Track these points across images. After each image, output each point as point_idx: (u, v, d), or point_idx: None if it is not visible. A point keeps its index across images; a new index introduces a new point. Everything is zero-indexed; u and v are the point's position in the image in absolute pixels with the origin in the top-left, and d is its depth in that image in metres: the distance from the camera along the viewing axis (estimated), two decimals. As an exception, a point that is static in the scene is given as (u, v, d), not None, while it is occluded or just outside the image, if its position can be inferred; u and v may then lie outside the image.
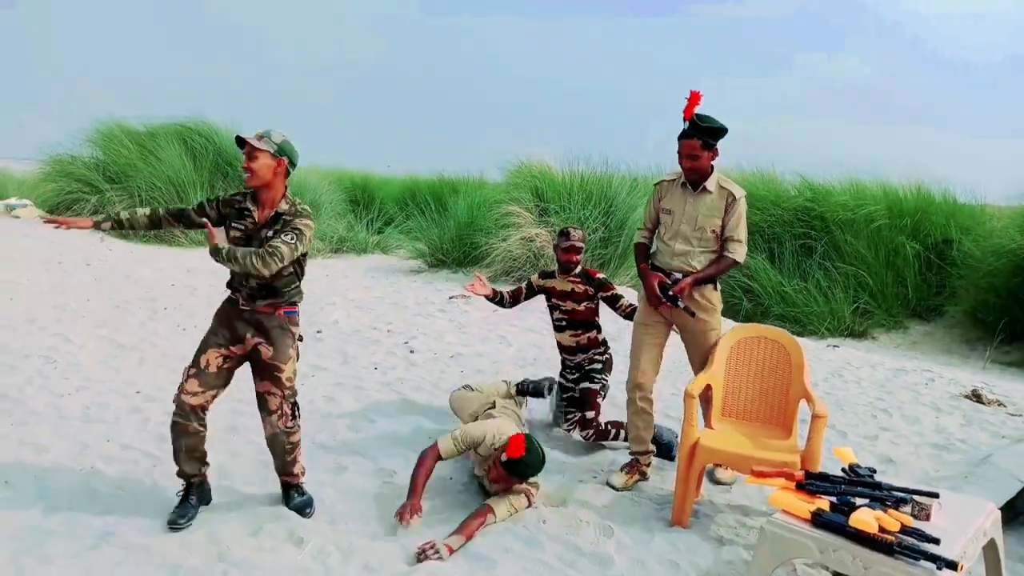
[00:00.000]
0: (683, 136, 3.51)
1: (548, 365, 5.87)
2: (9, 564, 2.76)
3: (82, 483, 3.47)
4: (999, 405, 5.38)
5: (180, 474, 3.21)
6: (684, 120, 3.51)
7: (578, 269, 4.34)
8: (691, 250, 3.58)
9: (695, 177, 3.57)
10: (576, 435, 4.24)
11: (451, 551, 3.00)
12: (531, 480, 3.42)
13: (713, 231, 3.55)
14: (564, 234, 4.32)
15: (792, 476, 2.67)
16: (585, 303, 4.32)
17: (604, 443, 4.26)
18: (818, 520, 2.41)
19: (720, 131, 3.50)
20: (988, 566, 2.67)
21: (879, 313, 10.05)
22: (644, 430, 3.74)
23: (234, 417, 4.34)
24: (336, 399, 4.84)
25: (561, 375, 4.51)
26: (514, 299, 4.56)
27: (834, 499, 2.51)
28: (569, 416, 4.27)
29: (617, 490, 3.64)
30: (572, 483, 3.76)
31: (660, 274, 3.62)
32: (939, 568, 2.16)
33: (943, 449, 4.49)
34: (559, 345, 4.48)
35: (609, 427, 4.22)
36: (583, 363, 4.38)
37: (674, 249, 3.60)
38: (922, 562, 2.19)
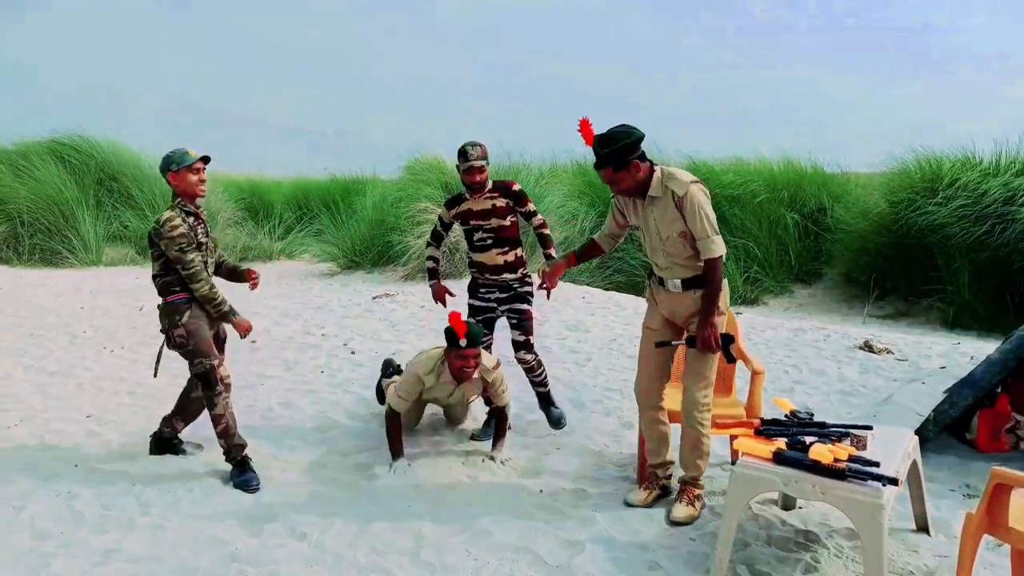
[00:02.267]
0: (596, 166, 3.27)
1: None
2: (21, 591, 2.79)
3: (65, 508, 3.47)
4: (888, 353, 6.09)
5: (237, 446, 3.72)
6: (592, 146, 3.24)
7: (489, 184, 4.17)
8: (673, 265, 3.31)
9: (632, 194, 3.32)
10: (524, 356, 4.26)
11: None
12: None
13: (681, 233, 3.21)
14: (462, 154, 4.07)
15: (750, 424, 3.08)
16: (510, 217, 4.19)
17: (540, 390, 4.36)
18: (779, 458, 2.81)
19: (627, 148, 3.16)
20: (912, 483, 3.16)
21: (767, 280, 10.90)
22: (659, 443, 3.53)
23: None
24: (294, 404, 4.94)
25: (478, 297, 4.34)
26: (438, 241, 4.45)
27: (788, 440, 2.93)
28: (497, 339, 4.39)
29: (633, 507, 3.46)
30: (539, 456, 4.07)
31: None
32: (884, 485, 2.60)
33: (849, 395, 5.10)
34: (480, 266, 4.26)
35: (542, 361, 4.33)
36: (512, 283, 4.26)
37: (659, 264, 3.38)
38: (869, 482, 2.62)
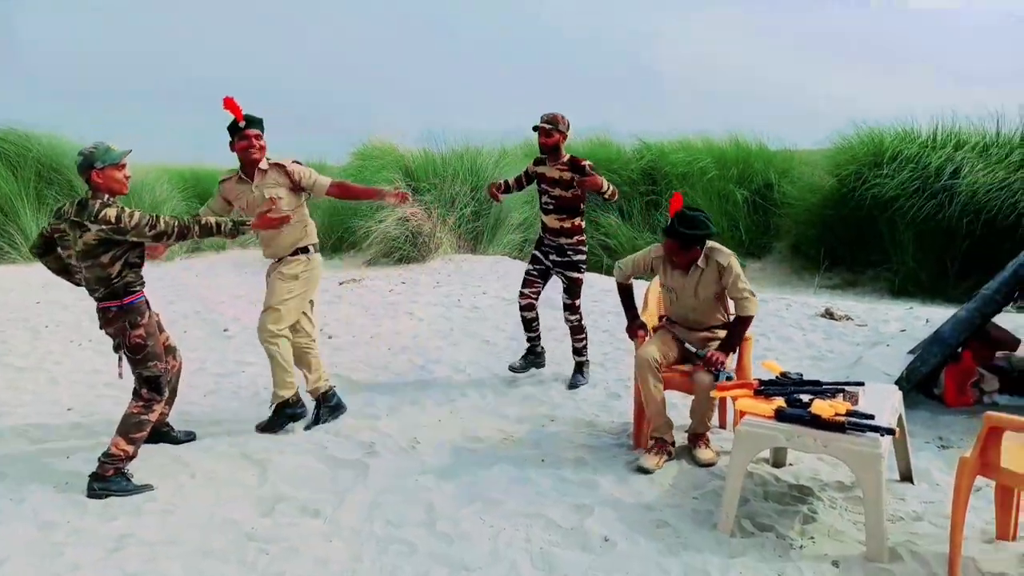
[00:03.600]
0: (665, 233, 3.70)
1: (464, 333, 6.23)
2: (39, 580, 2.76)
3: (65, 497, 3.42)
4: (848, 319, 6.38)
5: (132, 457, 3.57)
6: (670, 216, 3.68)
7: (566, 157, 4.63)
8: (703, 320, 3.81)
9: (683, 265, 3.76)
10: (569, 317, 4.89)
11: None
12: None
13: (716, 294, 3.75)
14: (541, 117, 4.59)
15: (750, 385, 3.23)
16: (572, 190, 4.62)
17: (577, 346, 4.97)
18: (782, 415, 2.97)
19: (704, 237, 3.66)
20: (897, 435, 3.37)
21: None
22: (663, 406, 3.71)
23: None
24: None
25: (539, 250, 4.94)
26: (519, 185, 4.95)
27: (786, 398, 3.09)
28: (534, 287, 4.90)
29: (649, 472, 3.57)
30: (536, 428, 4.17)
31: (643, 334, 3.89)
32: (882, 435, 2.78)
33: (819, 360, 5.34)
34: (543, 226, 4.85)
35: (584, 327, 4.94)
36: (566, 247, 4.78)
37: (688, 319, 3.84)
38: (868, 433, 2.80)
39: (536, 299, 4.95)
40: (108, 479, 3.48)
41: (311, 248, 4.24)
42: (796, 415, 2.93)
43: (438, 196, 10.02)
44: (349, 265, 9.62)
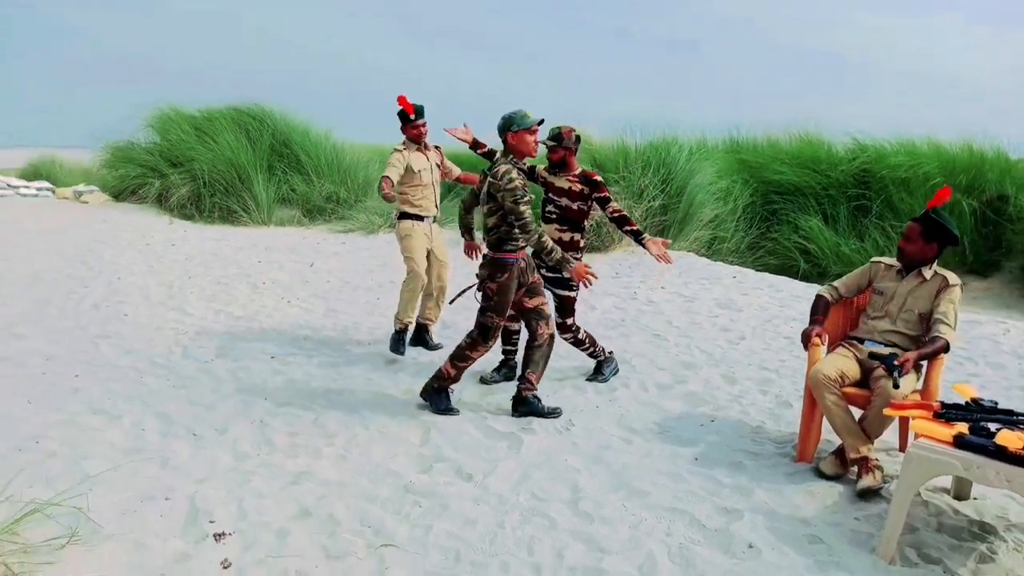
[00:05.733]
0: (914, 218, 3.70)
1: (636, 326, 6.20)
2: (230, 498, 3.16)
3: (256, 434, 3.87)
4: (1078, 351, 5.60)
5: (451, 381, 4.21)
6: (928, 208, 3.65)
7: (578, 169, 4.52)
8: (892, 330, 3.66)
9: (907, 260, 3.68)
10: (563, 335, 4.66)
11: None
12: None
13: (920, 313, 3.62)
14: (549, 131, 4.48)
15: (929, 407, 2.98)
16: (578, 203, 4.48)
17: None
18: (961, 442, 2.71)
19: (948, 238, 3.61)
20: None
21: (938, 271, 10.19)
22: (851, 419, 3.47)
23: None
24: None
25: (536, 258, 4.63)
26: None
27: (971, 425, 2.81)
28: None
29: (830, 479, 3.45)
30: (694, 426, 4.09)
31: (819, 337, 3.70)
32: (1080, 476, 2.46)
33: (1032, 392, 4.75)
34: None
35: (586, 338, 4.71)
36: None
37: (877, 326, 3.70)
38: (1063, 472, 2.49)
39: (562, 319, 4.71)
40: (437, 391, 4.17)
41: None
42: (978, 444, 2.67)
43: (626, 187, 9.98)
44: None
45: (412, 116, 5.19)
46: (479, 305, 4.07)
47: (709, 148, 13.00)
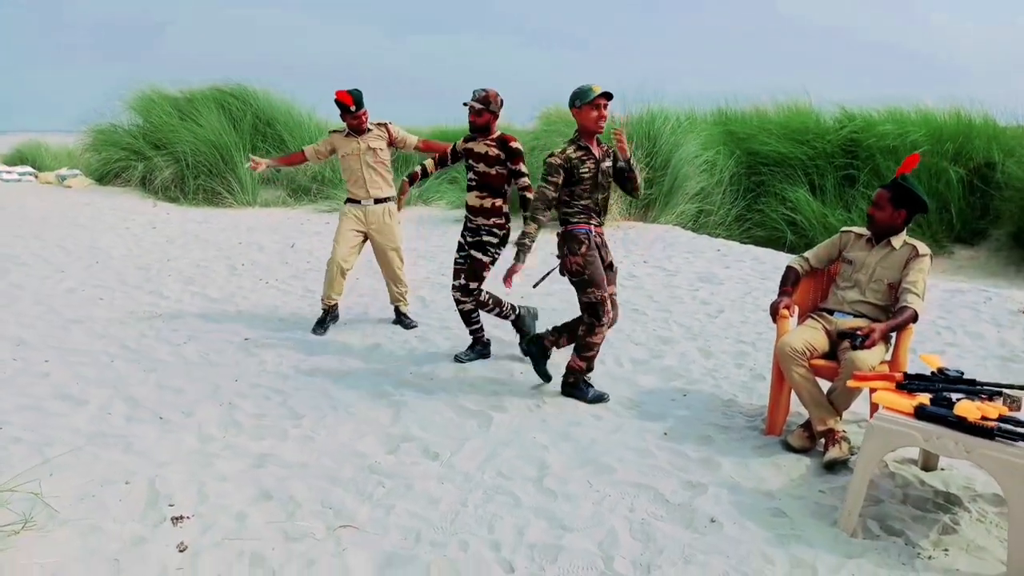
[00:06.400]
0: (883, 184, 3.62)
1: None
2: (191, 481, 3.13)
3: (224, 416, 3.84)
4: (1057, 319, 5.58)
5: (589, 371, 4.11)
6: (897, 174, 3.60)
7: (497, 134, 4.44)
8: (862, 300, 3.63)
9: (877, 228, 3.64)
10: (461, 297, 4.58)
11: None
12: None
13: (889, 283, 3.58)
14: (473, 94, 4.41)
15: (892, 378, 2.95)
16: (496, 167, 4.41)
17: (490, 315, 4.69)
18: (921, 413, 2.68)
19: (918, 205, 3.55)
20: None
21: (924, 239, 10.18)
22: (818, 392, 3.47)
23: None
24: (428, 339, 5.19)
25: (461, 234, 4.68)
26: (441, 163, 4.71)
27: (933, 396, 2.78)
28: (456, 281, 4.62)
29: (797, 451, 3.44)
30: (665, 400, 4.07)
31: (786, 308, 3.69)
32: (1038, 446, 2.43)
33: (1009, 360, 4.74)
34: (466, 205, 4.60)
35: (489, 299, 4.60)
36: (481, 227, 4.52)
37: (846, 297, 3.67)
38: (1020, 443, 2.47)
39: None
40: (573, 386, 4.10)
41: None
42: (938, 414, 2.64)
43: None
44: (515, 227, 9.78)
45: (352, 108, 5.08)
46: (576, 288, 3.99)
47: (697, 119, 12.89)
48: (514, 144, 4.40)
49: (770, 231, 11.21)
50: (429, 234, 9.72)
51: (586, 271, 3.89)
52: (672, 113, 11.30)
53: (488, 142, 4.43)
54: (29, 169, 15.15)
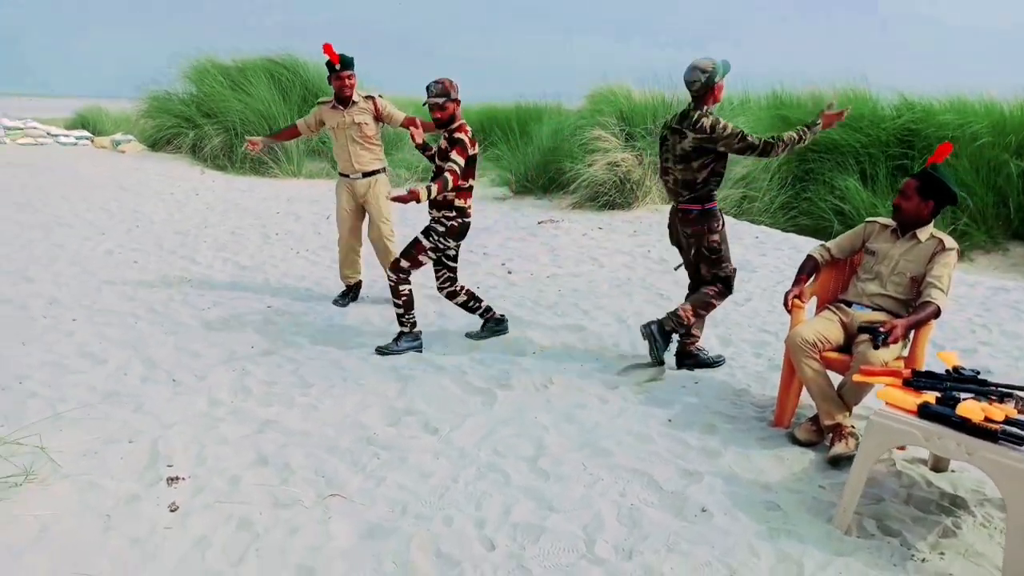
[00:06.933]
0: (916, 176, 3.49)
1: (641, 285, 6.08)
2: (192, 443, 3.21)
3: (235, 381, 3.91)
4: (1105, 322, 5.31)
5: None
6: (927, 163, 3.46)
7: (455, 124, 4.20)
8: (882, 293, 3.49)
9: (903, 219, 3.49)
10: (388, 275, 4.42)
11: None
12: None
13: (912, 277, 3.43)
14: (427, 90, 4.17)
15: (899, 374, 2.84)
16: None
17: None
18: (924, 411, 2.58)
19: (947, 196, 3.41)
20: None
21: (978, 234, 9.81)
22: (828, 386, 3.36)
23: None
24: (446, 314, 5.19)
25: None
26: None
27: (941, 394, 2.67)
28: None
29: (837, 459, 3.20)
30: (675, 387, 4.00)
31: (797, 298, 3.59)
32: (1043, 452, 2.32)
33: (1045, 362, 4.53)
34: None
35: (404, 291, 4.33)
36: (433, 216, 4.37)
37: (866, 289, 3.54)
38: (1023, 447, 2.35)
39: (451, 284, 4.57)
40: (660, 332, 4.09)
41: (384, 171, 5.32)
42: (940, 414, 2.54)
43: (652, 142, 9.72)
44: (554, 207, 9.71)
45: (337, 66, 4.92)
46: (708, 264, 4.07)
47: (751, 102, 12.59)
48: (457, 134, 4.17)
49: (817, 220, 10.91)
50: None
51: (722, 247, 4.05)
52: (725, 96, 11.03)
53: (444, 134, 4.24)
54: (85, 133, 15.61)
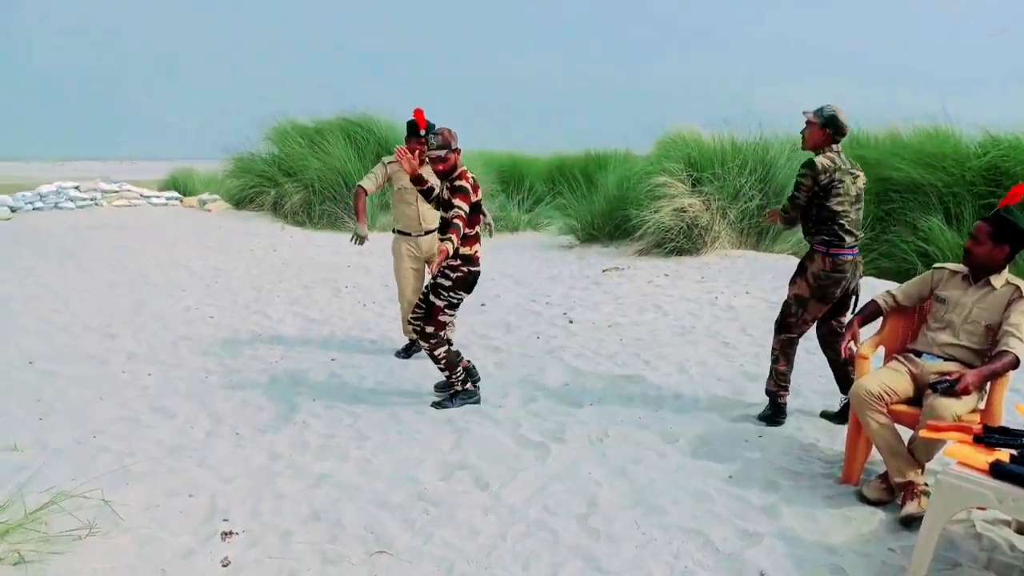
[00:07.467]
0: (983, 217, 3.37)
1: (706, 333, 5.94)
2: (249, 497, 3.28)
3: (295, 435, 3.99)
4: None
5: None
6: (1000, 206, 3.36)
7: (456, 173, 4.19)
8: (954, 343, 3.32)
9: (975, 264, 3.35)
10: (414, 334, 4.34)
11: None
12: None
13: (987, 325, 3.26)
14: (427, 143, 4.21)
15: (969, 430, 2.67)
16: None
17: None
18: (997, 470, 2.41)
19: (1021, 239, 3.25)
20: None
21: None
22: (896, 441, 3.19)
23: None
24: (505, 365, 5.19)
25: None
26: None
27: (1015, 451, 2.50)
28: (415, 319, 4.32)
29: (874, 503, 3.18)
30: (737, 440, 3.86)
31: (854, 339, 3.53)
32: None
33: None
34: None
35: (441, 355, 4.27)
36: (443, 267, 4.22)
37: (936, 339, 3.37)
38: (1113, 512, 2.16)
39: (422, 323, 4.30)
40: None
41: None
42: (1015, 473, 2.36)
43: (720, 187, 9.60)
44: (620, 254, 9.67)
45: (422, 131, 4.92)
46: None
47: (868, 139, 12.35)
48: (459, 182, 4.15)
49: (899, 262, 10.48)
50: (529, 262, 9.77)
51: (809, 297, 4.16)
52: (788, 138, 10.84)
53: (447, 184, 4.23)
54: (175, 194, 16.51)
